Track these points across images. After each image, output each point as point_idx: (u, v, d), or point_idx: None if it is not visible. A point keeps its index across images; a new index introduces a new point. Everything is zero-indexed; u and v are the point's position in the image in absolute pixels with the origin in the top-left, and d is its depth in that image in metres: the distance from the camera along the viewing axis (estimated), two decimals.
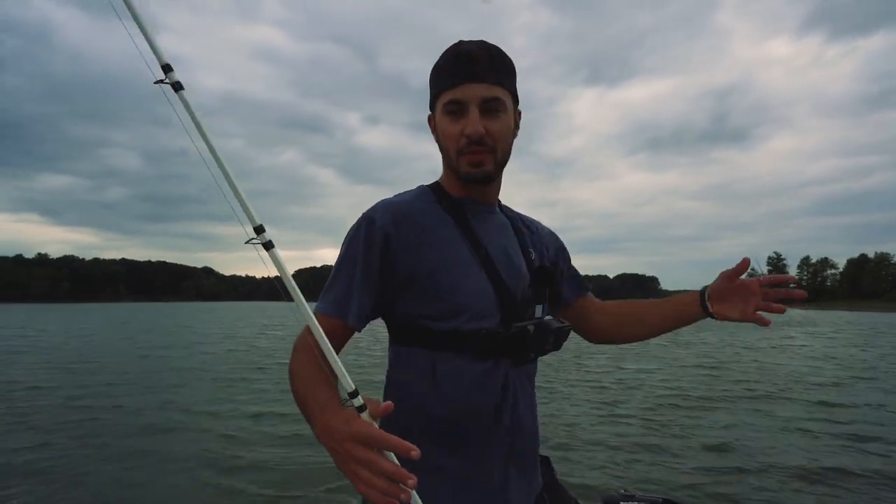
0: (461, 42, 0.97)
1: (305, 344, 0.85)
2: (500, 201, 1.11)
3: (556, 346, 0.99)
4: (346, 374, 0.71)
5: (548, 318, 1.00)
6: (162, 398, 7.38)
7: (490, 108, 0.94)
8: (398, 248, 0.93)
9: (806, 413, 6.64)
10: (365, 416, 0.69)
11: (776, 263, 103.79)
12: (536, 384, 1.07)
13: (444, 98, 0.95)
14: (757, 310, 1.00)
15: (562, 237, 1.23)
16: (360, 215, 0.97)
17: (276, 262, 0.69)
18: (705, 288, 1.06)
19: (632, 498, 1.32)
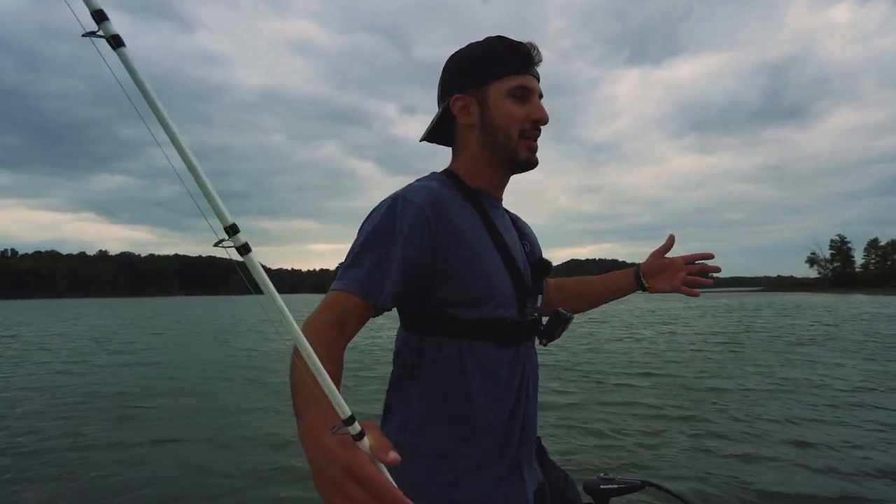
0: (506, 37, 1.01)
1: (321, 324, 0.82)
2: None
3: (563, 332, 1.06)
4: (339, 395, 0.58)
5: (560, 308, 1.05)
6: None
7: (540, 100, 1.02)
8: (435, 231, 0.91)
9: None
10: (364, 445, 0.58)
11: (839, 247, 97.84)
12: None
13: (511, 82, 0.98)
14: (683, 283, 1.20)
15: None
16: (393, 194, 0.95)
17: (254, 269, 0.54)
18: (638, 265, 1.26)
19: (611, 481, 1.31)
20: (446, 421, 0.95)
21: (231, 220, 0.54)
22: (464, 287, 0.94)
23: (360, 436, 0.58)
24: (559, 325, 1.03)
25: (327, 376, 0.58)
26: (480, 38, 1.05)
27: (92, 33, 0.44)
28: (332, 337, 0.82)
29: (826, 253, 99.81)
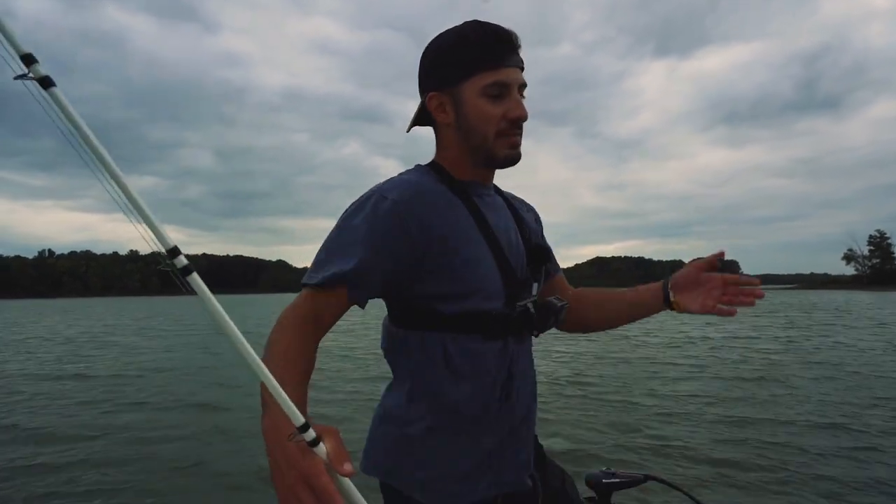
0: (485, 22, 0.95)
1: (296, 319, 0.83)
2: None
3: (557, 322, 1.05)
4: (291, 403, 0.61)
5: (551, 298, 1.03)
6: None
7: (521, 93, 0.97)
8: (412, 227, 0.90)
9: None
10: (321, 451, 0.62)
11: (879, 242, 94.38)
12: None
13: (486, 79, 0.93)
14: (719, 303, 1.02)
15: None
16: (371, 189, 0.95)
17: (198, 288, 0.57)
18: (668, 279, 1.09)
19: (614, 475, 1.31)
20: (430, 412, 0.95)
21: (172, 243, 0.57)
22: (446, 281, 0.93)
23: (316, 442, 0.62)
24: (550, 315, 1.01)
25: (278, 386, 0.61)
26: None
27: (23, 76, 0.47)
28: (306, 331, 0.83)
29: (864, 249, 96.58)
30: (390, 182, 0.95)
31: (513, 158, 0.98)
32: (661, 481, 1.37)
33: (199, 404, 6.69)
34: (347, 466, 0.63)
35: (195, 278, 0.56)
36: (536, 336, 1.05)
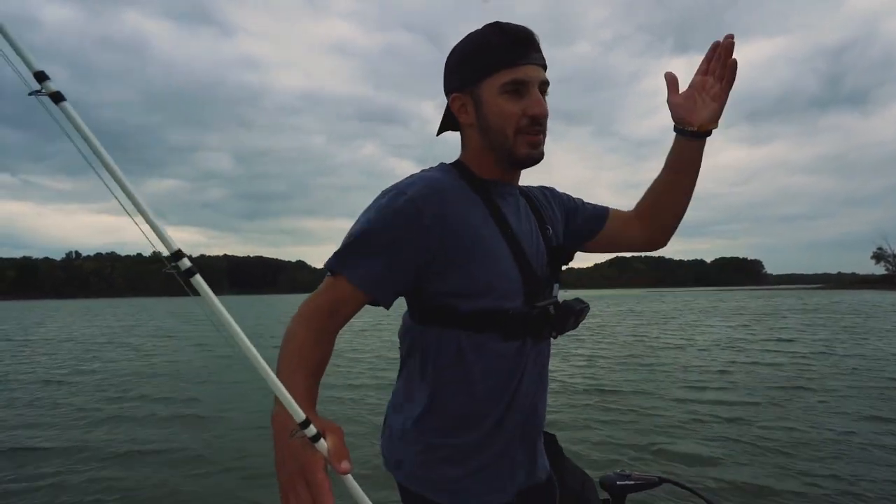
0: (503, 23, 0.96)
1: (316, 311, 0.87)
2: None
3: (576, 324, 1.03)
4: (293, 400, 0.65)
5: (571, 299, 1.03)
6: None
7: (543, 90, 0.96)
8: (435, 224, 0.91)
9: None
10: (322, 447, 0.66)
11: None
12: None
13: (504, 77, 0.94)
14: (715, 87, 1.02)
15: None
16: (391, 186, 0.95)
17: (202, 290, 0.60)
18: (674, 126, 1.08)
19: (628, 477, 1.32)
20: (443, 410, 0.97)
21: (176, 246, 0.60)
22: (463, 278, 0.93)
23: (317, 437, 0.66)
24: (570, 316, 1.00)
25: (280, 385, 0.64)
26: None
27: (36, 92, 0.50)
28: (321, 322, 0.87)
29: (895, 248, 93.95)
30: (411, 179, 0.96)
31: (534, 157, 0.98)
32: (677, 484, 1.36)
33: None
34: (345, 465, 0.66)
35: (198, 280, 0.59)
36: (555, 337, 1.04)
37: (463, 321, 0.94)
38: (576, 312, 1.01)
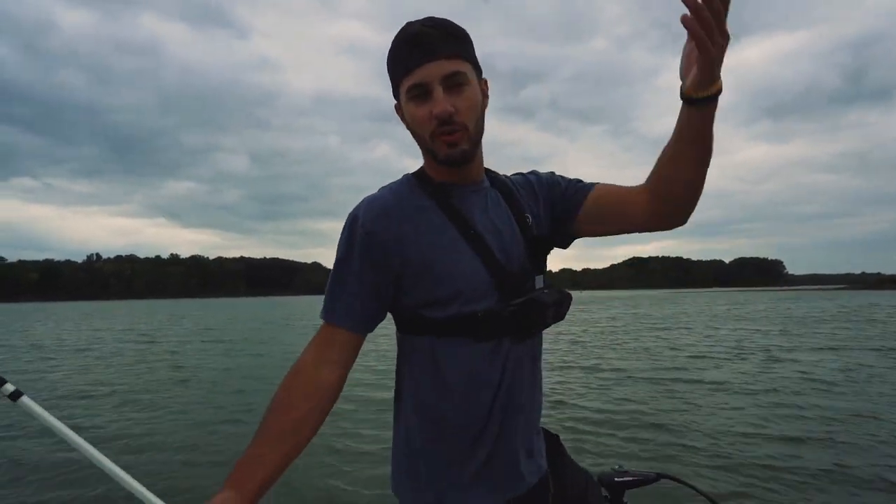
0: (408, 23, 0.95)
1: (297, 367, 0.93)
2: (490, 170, 1.09)
3: (559, 316, 1.01)
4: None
5: (545, 290, 1.00)
6: None
7: (453, 83, 0.92)
8: (384, 242, 0.93)
9: None
10: None
11: None
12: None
13: (406, 84, 0.94)
14: (704, 41, 0.77)
15: None
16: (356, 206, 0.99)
17: (31, 411, 0.68)
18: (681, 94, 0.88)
19: (626, 474, 1.31)
20: (424, 417, 0.97)
21: None
22: (427, 290, 0.94)
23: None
24: (545, 309, 0.97)
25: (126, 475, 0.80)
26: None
27: None
28: (304, 378, 0.92)
29: None
30: (364, 201, 0.98)
31: (453, 157, 0.94)
32: (675, 479, 1.36)
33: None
34: None
35: (25, 401, 0.65)
36: (535, 333, 1.01)
37: (434, 328, 0.95)
38: (553, 304, 0.99)
